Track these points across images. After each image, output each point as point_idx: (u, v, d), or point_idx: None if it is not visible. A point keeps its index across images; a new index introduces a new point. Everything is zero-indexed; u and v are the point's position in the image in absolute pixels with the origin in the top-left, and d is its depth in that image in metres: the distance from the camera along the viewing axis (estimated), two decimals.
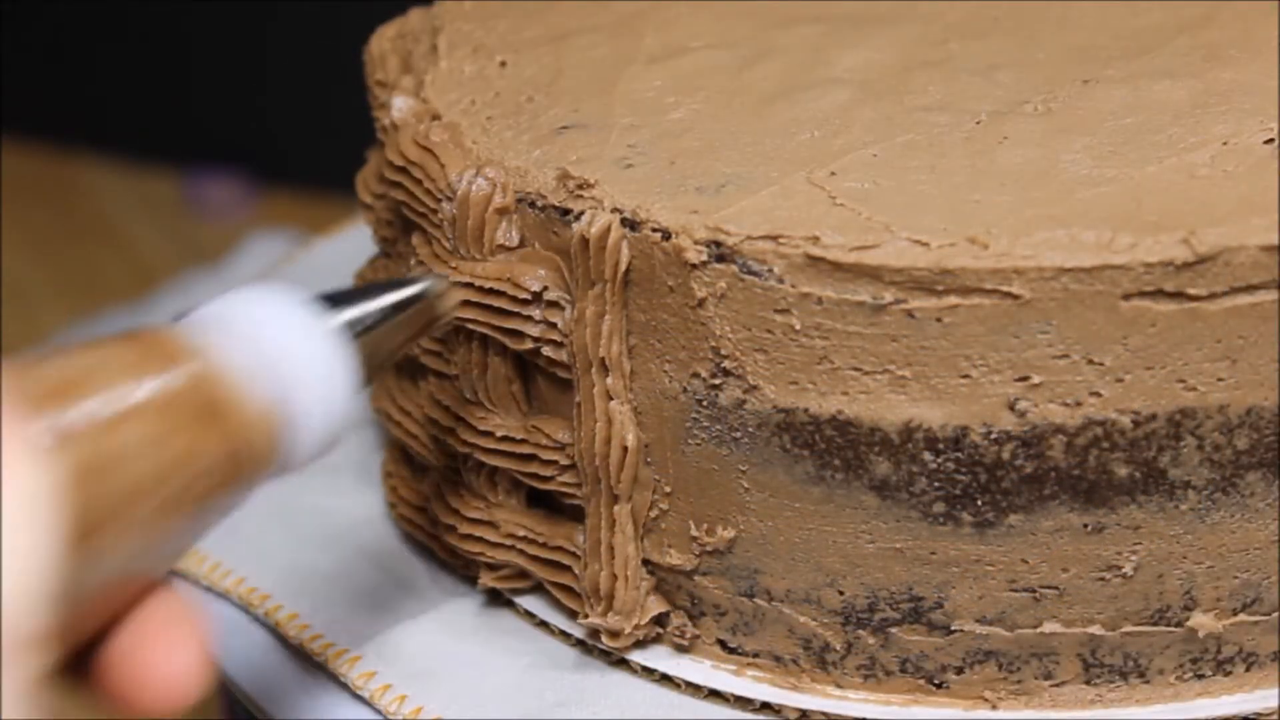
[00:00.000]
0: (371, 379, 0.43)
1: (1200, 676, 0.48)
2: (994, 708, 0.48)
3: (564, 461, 0.50)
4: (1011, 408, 0.44)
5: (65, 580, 0.31)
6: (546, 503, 0.52)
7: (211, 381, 0.37)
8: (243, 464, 0.38)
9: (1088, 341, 0.43)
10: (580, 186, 0.48)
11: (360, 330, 0.43)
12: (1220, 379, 0.44)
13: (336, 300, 0.43)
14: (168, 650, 0.35)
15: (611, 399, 0.48)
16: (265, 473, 0.39)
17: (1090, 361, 0.43)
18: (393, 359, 0.45)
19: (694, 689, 0.50)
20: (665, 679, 0.51)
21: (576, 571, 0.51)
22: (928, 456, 0.45)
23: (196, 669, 0.35)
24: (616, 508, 0.49)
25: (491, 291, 0.49)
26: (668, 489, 0.49)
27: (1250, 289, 0.43)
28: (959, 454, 0.45)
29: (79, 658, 0.35)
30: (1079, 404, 0.44)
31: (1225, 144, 0.47)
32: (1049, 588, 0.46)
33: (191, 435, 0.36)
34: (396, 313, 0.44)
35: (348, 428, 0.42)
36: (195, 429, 0.36)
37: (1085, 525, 0.46)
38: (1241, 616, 0.47)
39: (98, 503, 0.33)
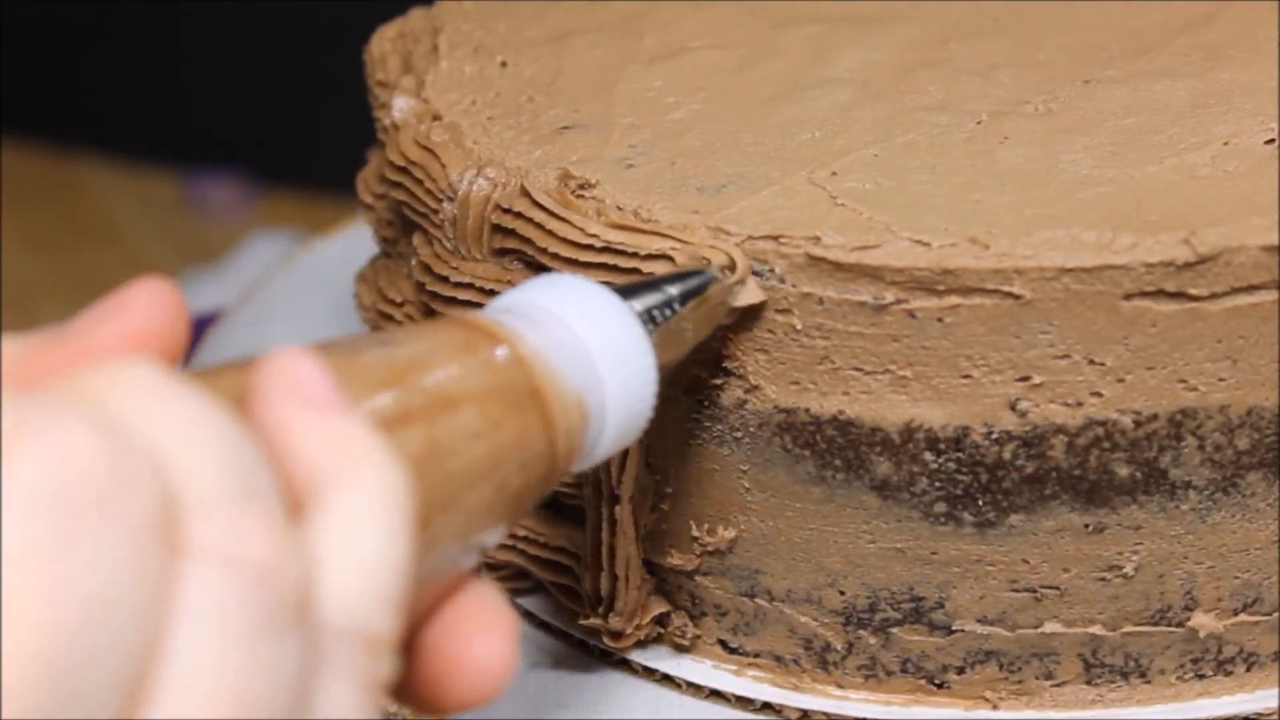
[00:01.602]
0: (663, 372, 0.41)
1: (1201, 676, 0.48)
2: (995, 708, 0.48)
3: None
4: (1012, 408, 0.44)
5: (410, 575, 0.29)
6: (547, 504, 0.52)
7: (531, 367, 0.36)
8: (559, 452, 0.36)
9: (1089, 341, 0.43)
10: (581, 186, 0.48)
11: (655, 322, 0.41)
12: (1221, 379, 0.44)
13: (627, 292, 0.41)
14: (483, 641, 0.33)
15: None
16: (573, 463, 0.38)
17: (1091, 361, 0.43)
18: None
19: (695, 689, 0.50)
20: (666, 679, 0.51)
21: (577, 572, 0.51)
22: (929, 456, 0.45)
23: (510, 660, 0.33)
24: (617, 508, 0.49)
25: (492, 293, 0.49)
26: (668, 489, 0.49)
27: (1251, 289, 0.43)
28: (960, 454, 0.45)
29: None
30: (1080, 404, 0.44)
31: (1226, 144, 0.47)
32: (1050, 588, 0.46)
33: (521, 421, 0.35)
34: (684, 303, 0.43)
35: (644, 424, 0.40)
36: (523, 414, 0.35)
37: (1086, 525, 0.46)
38: (1242, 616, 0.47)
39: (434, 492, 0.31)
